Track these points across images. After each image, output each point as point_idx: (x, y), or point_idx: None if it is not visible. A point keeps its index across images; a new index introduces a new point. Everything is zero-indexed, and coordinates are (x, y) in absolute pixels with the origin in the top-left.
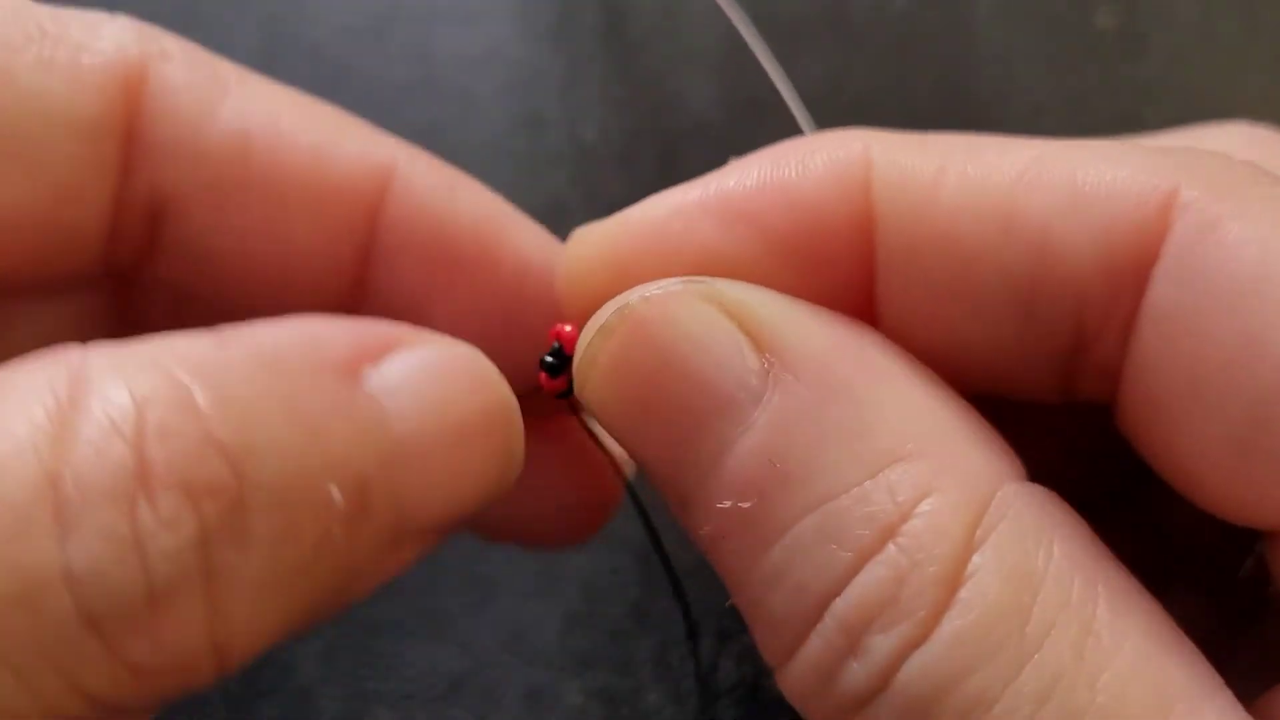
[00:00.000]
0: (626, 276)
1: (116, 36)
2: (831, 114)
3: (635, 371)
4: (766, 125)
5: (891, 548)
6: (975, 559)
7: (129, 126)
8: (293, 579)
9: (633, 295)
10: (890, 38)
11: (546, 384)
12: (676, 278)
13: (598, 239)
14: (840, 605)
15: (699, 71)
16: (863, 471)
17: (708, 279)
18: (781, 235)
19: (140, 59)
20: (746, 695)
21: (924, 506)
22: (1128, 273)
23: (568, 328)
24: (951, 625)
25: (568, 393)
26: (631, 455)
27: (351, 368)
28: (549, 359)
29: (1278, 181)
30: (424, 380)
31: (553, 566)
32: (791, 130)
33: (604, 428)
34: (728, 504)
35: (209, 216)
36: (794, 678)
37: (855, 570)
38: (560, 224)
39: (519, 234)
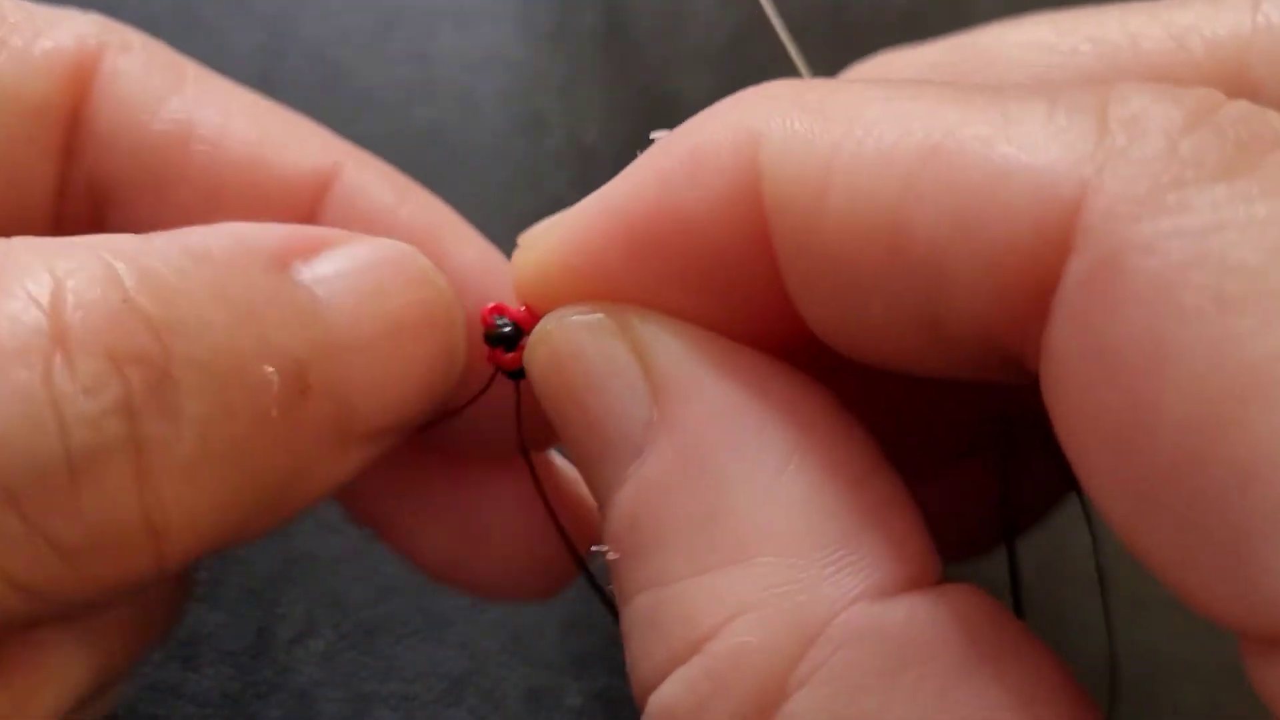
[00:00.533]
0: (571, 289)
1: (78, 27)
2: None
3: (550, 394)
4: None
5: (697, 662)
6: (791, 703)
7: (74, 111)
8: (230, 460)
9: (551, 320)
10: (890, 38)
11: (500, 359)
12: (596, 306)
13: (537, 254)
14: (655, 700)
15: (699, 73)
16: (691, 567)
17: (627, 309)
18: (683, 260)
19: (96, 48)
20: None
21: (735, 628)
22: (1024, 306)
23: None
24: None
25: (520, 373)
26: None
27: (281, 260)
28: (504, 329)
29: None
30: (358, 273)
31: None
32: None
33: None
34: (604, 548)
35: (147, 207)
36: None
37: (667, 671)
38: None
39: (460, 248)
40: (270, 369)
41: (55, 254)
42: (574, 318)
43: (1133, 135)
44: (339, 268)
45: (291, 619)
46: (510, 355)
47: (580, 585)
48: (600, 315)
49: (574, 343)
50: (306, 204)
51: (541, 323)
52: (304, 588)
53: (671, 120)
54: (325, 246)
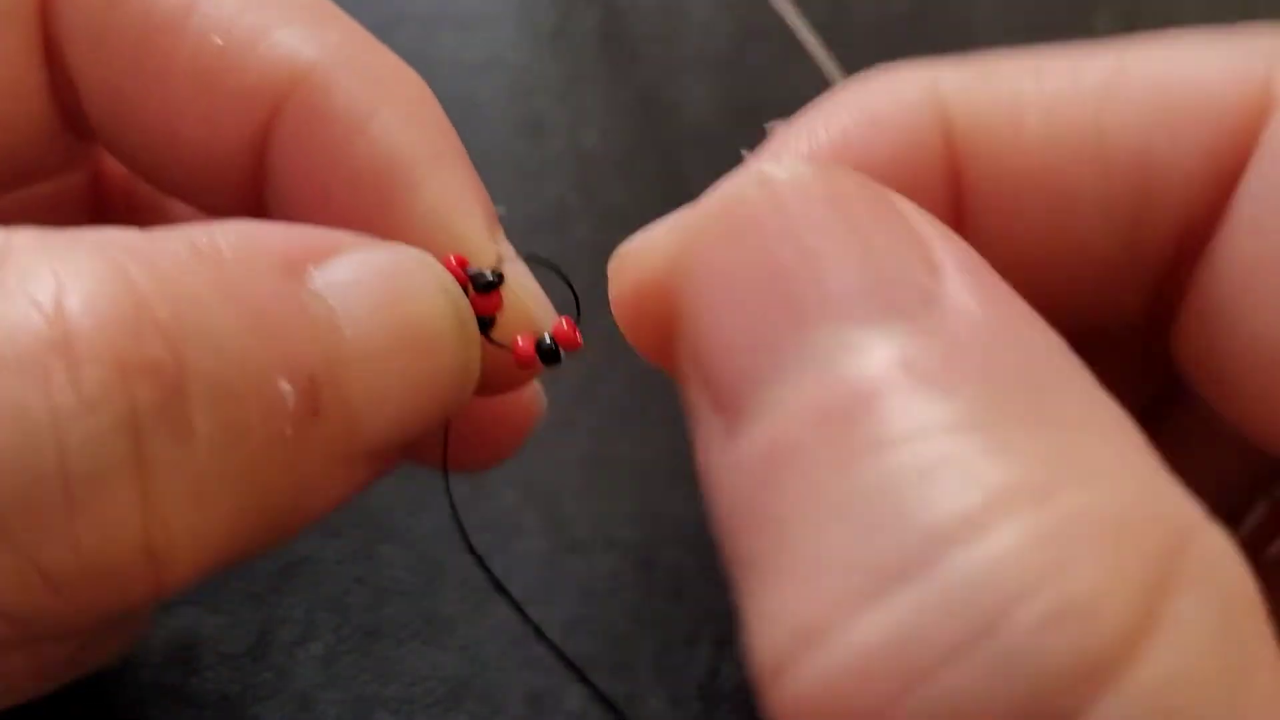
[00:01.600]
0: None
1: None
2: None
3: (772, 234)
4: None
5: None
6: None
7: (43, 6)
8: (240, 482)
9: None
10: (890, 41)
11: (482, 306)
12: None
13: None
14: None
15: (699, 77)
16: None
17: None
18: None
19: None
20: (748, 699)
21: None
22: (1227, 175)
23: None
24: None
25: (489, 325)
26: (690, 332)
27: (293, 266)
28: (490, 277)
29: None
30: (373, 281)
31: (552, 572)
32: None
33: (684, 299)
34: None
35: (114, 106)
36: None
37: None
38: (562, 229)
39: (430, 189)
40: (286, 385)
41: (59, 252)
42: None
43: None
44: (354, 275)
45: (292, 622)
46: (491, 298)
47: (578, 590)
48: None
49: (833, 183)
50: (266, 109)
51: (758, 170)
52: (304, 591)
53: (671, 125)
54: (338, 251)
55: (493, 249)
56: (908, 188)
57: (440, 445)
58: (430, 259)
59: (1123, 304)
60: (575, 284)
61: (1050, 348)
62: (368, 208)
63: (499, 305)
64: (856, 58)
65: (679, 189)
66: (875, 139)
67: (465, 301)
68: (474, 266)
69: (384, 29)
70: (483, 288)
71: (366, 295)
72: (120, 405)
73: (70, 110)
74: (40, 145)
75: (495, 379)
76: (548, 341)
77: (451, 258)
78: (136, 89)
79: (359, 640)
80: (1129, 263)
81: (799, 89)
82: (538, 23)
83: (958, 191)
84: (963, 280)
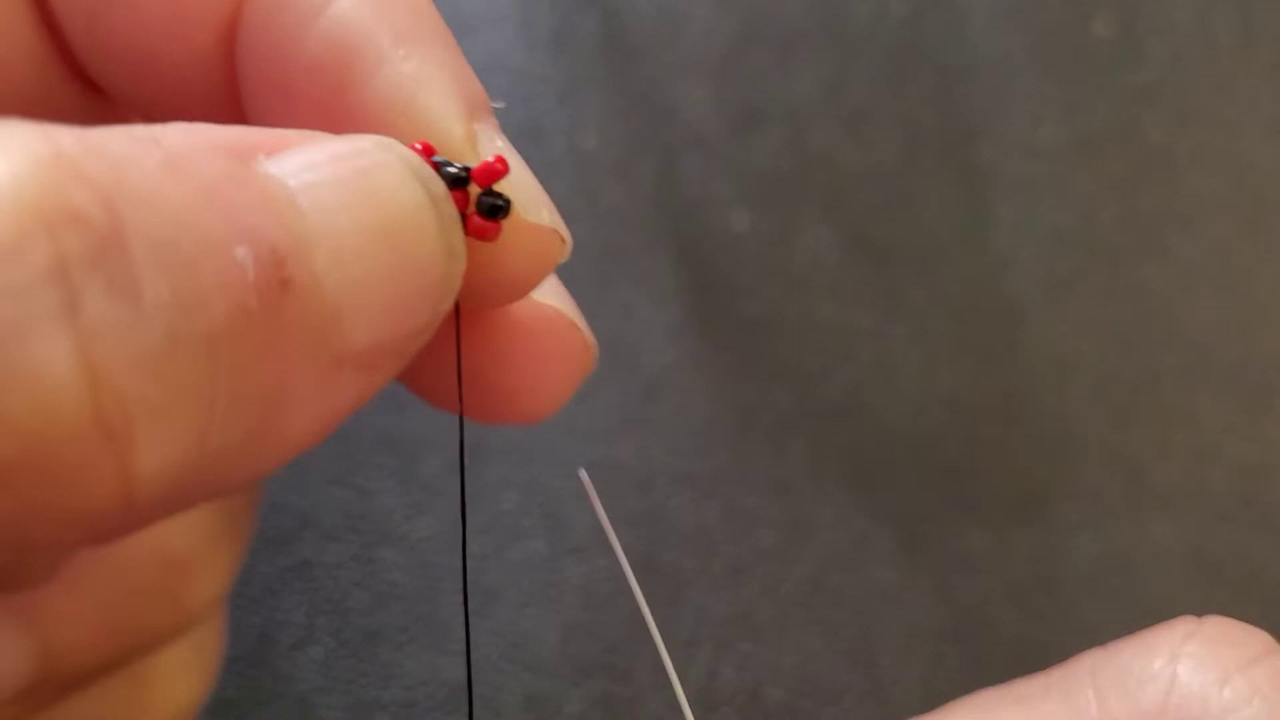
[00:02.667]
0: None
1: None
2: (828, 124)
3: None
4: (764, 134)
5: None
6: None
7: None
8: (204, 358)
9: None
10: (887, 46)
11: (483, 231)
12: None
13: None
14: None
15: (697, 81)
16: None
17: None
18: None
19: None
20: (747, 703)
21: None
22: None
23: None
24: None
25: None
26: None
27: (241, 154)
28: (456, 169)
29: None
30: (330, 165)
31: (552, 575)
32: (786, 143)
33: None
34: None
35: (88, 29)
36: None
37: None
38: None
39: (390, 70)
40: (243, 250)
41: None
42: None
43: None
44: (309, 160)
45: (291, 626)
46: (495, 221)
47: (578, 594)
48: None
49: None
50: (219, 24)
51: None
52: (304, 594)
53: (670, 129)
54: (288, 144)
55: (461, 130)
56: None
57: (462, 388)
58: (391, 141)
59: None
60: (575, 286)
61: None
62: (326, 99)
63: (496, 229)
64: (855, 61)
65: (678, 191)
66: None
67: (439, 182)
68: (441, 156)
69: None
70: (450, 182)
71: (326, 178)
72: (43, 253)
73: (77, 65)
74: (49, 103)
75: (484, 284)
76: (479, 192)
77: (416, 144)
78: (102, 4)
79: (359, 644)
80: None
81: (798, 91)
82: (537, 27)
83: None
84: None
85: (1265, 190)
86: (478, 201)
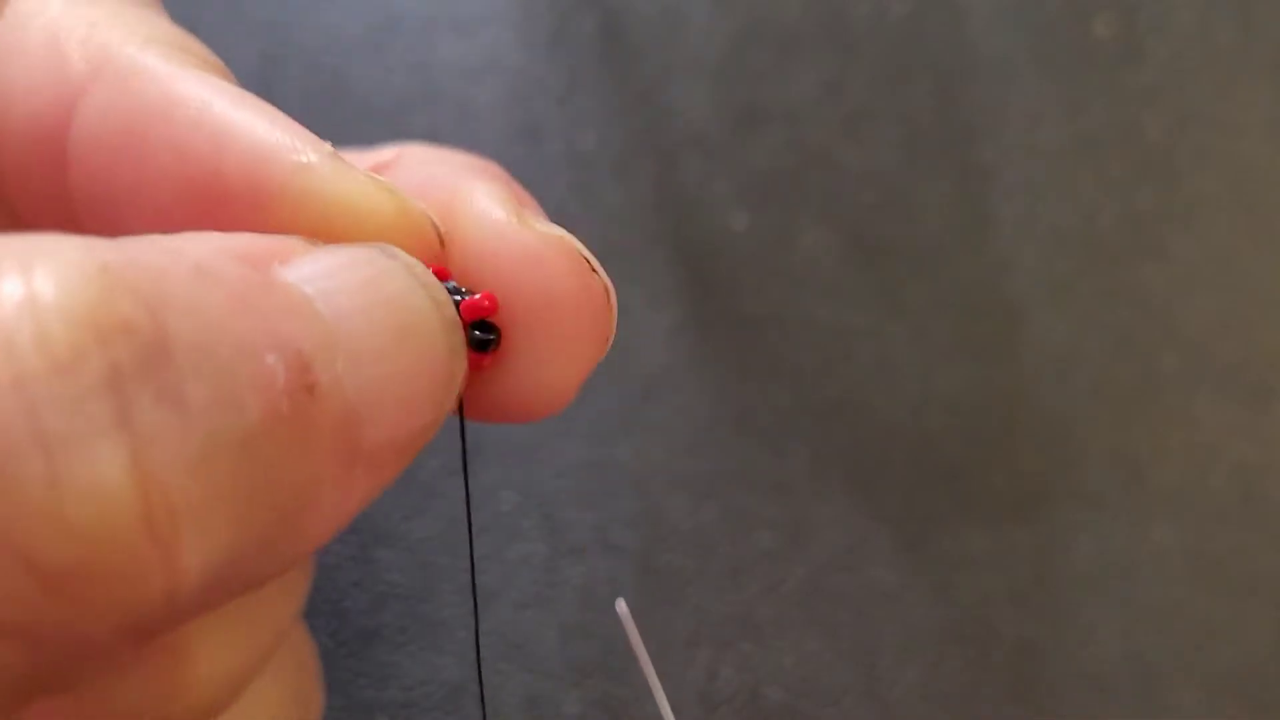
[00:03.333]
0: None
1: None
2: (827, 124)
3: None
4: (763, 134)
5: None
6: None
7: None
8: (242, 459)
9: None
10: (887, 45)
11: (474, 362)
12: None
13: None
14: None
15: (696, 81)
16: None
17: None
18: None
19: None
20: (747, 703)
21: None
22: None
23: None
24: None
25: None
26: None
27: (257, 262)
28: (485, 336)
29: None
30: (342, 269)
31: (551, 576)
32: (785, 143)
33: None
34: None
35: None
36: None
37: None
38: None
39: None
40: (273, 356)
41: (18, 240)
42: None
43: None
44: (321, 267)
45: None
46: (490, 354)
47: (577, 595)
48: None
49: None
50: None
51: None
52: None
53: (669, 129)
54: (294, 253)
55: (313, 150)
56: None
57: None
58: (394, 249)
59: None
60: None
61: None
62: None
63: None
64: (855, 60)
65: (677, 192)
66: None
67: (440, 287)
68: (452, 281)
69: (381, 32)
70: (480, 344)
71: (340, 285)
72: (98, 364)
73: None
74: None
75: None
76: (470, 325)
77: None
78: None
79: (357, 644)
80: None
81: (797, 91)
82: (536, 28)
83: None
84: None
85: (1265, 190)
86: (468, 335)
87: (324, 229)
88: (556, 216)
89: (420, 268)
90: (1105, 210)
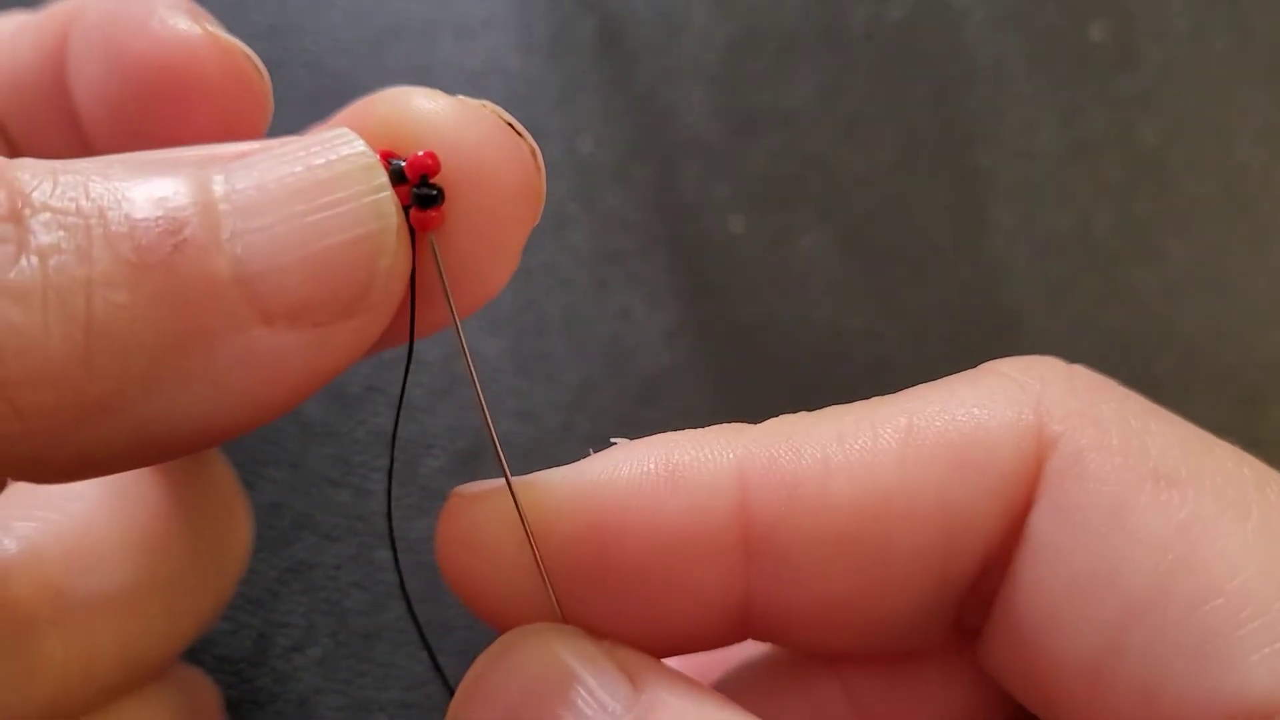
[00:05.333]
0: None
1: None
2: (825, 128)
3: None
4: (761, 138)
5: None
6: None
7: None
8: (83, 300)
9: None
10: (883, 51)
11: (422, 220)
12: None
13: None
14: None
15: (695, 85)
16: None
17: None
18: (635, 562)
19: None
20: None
21: None
22: (1017, 512)
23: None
24: None
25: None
26: None
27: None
28: (428, 192)
29: (1118, 392)
30: (267, 152)
31: None
32: (783, 147)
33: None
34: None
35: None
36: None
37: None
38: (562, 235)
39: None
40: (143, 218)
41: None
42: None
43: (1049, 374)
44: (251, 157)
45: (290, 627)
46: (434, 210)
47: None
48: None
49: (548, 651)
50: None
51: (506, 636)
52: (303, 596)
53: (667, 132)
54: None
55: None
56: (697, 540)
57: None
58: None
59: (930, 630)
60: (574, 289)
61: None
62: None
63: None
64: (852, 65)
65: (676, 195)
66: (672, 492)
67: (370, 153)
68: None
69: (382, 36)
70: (424, 200)
71: (257, 161)
72: None
73: None
74: None
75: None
76: (412, 187)
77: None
78: None
79: (358, 645)
80: (936, 597)
81: (795, 96)
82: (536, 31)
83: (747, 546)
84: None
85: (1259, 195)
86: (411, 194)
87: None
88: (555, 220)
89: (351, 133)
90: (1101, 214)
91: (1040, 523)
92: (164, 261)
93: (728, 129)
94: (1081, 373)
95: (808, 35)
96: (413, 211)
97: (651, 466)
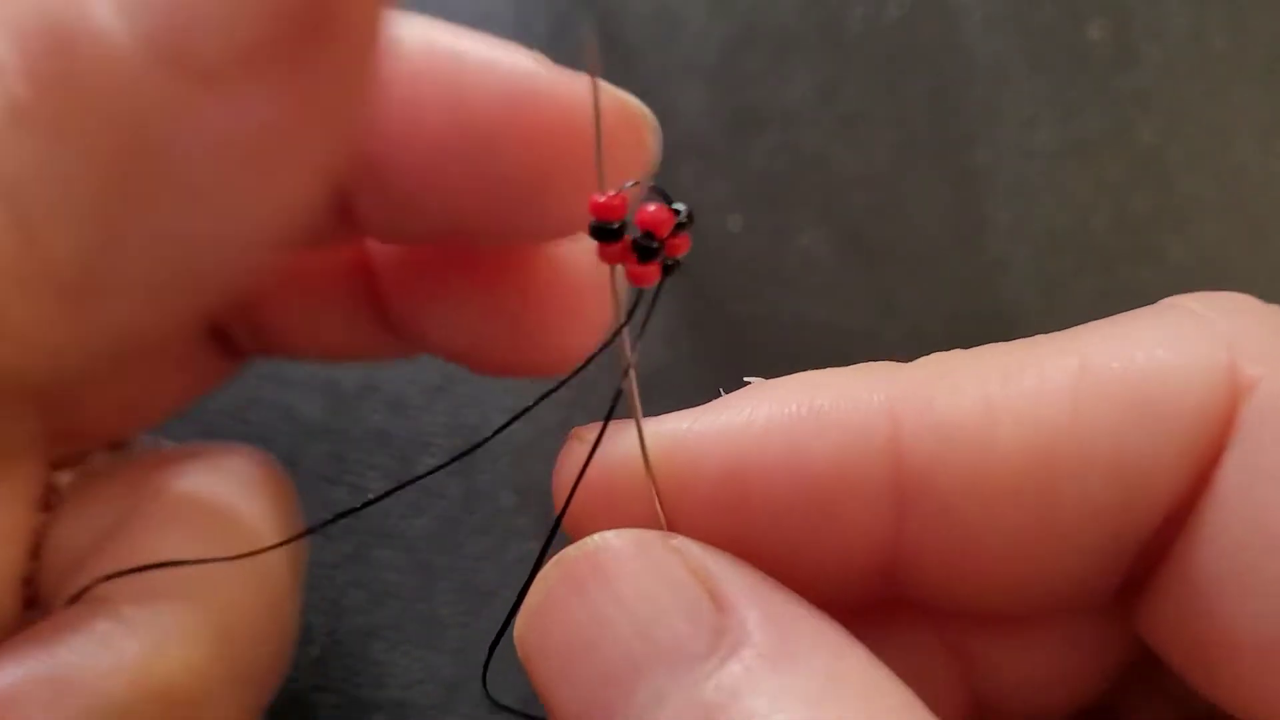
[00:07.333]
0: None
1: None
2: (823, 126)
3: (577, 611)
4: (759, 136)
5: None
6: None
7: None
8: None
9: (597, 537)
10: (882, 49)
11: (640, 275)
12: (640, 529)
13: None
14: None
15: (692, 83)
16: None
17: (671, 534)
18: (778, 504)
19: None
20: None
21: None
22: (1205, 462)
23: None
24: None
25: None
26: (547, 701)
27: None
28: (649, 244)
29: None
30: None
31: None
32: (781, 146)
33: (530, 673)
34: None
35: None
36: None
37: None
38: None
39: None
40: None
41: None
42: (614, 538)
43: (1241, 311)
44: None
45: None
46: (650, 267)
47: None
48: (644, 532)
49: (628, 551)
50: None
51: (585, 539)
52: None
53: (665, 130)
54: None
55: None
56: (845, 486)
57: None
58: None
59: (1093, 589)
60: None
61: (832, 653)
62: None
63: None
64: (850, 63)
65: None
66: (818, 434)
67: None
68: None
69: None
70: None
71: None
72: None
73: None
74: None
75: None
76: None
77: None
78: None
79: (354, 643)
80: (1106, 554)
81: (793, 94)
82: (533, 30)
83: (900, 494)
84: (748, 609)
85: (1257, 194)
86: (633, 245)
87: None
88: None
89: None
90: (1099, 213)
91: (1230, 476)
92: (58, 79)
93: (725, 128)
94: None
95: (805, 34)
96: (632, 265)
97: (794, 408)
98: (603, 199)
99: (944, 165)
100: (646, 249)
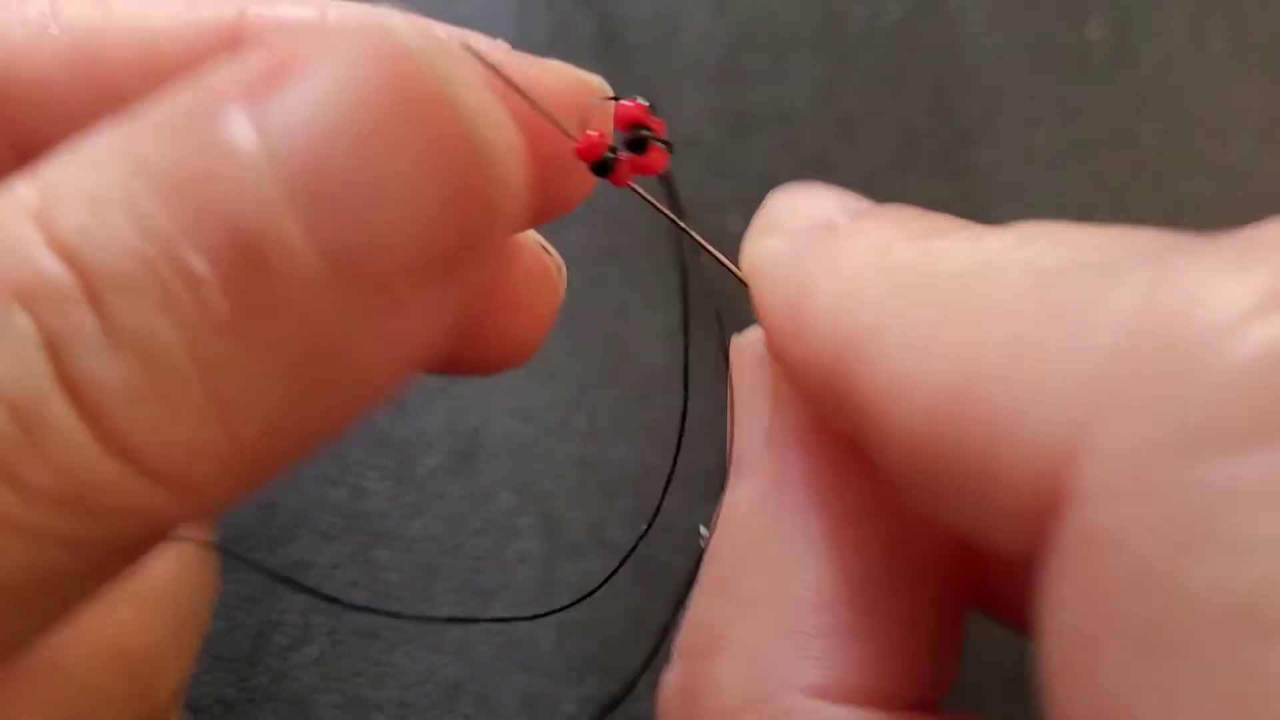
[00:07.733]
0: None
1: None
2: (824, 127)
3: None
4: (760, 137)
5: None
6: None
7: None
8: (193, 374)
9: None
10: (882, 50)
11: (634, 165)
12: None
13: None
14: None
15: (693, 84)
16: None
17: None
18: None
19: None
20: None
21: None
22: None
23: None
24: None
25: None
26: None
27: (208, 109)
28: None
29: None
30: (325, 85)
31: (548, 575)
32: (781, 146)
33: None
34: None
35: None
36: None
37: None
38: (559, 233)
39: None
40: (195, 257)
41: None
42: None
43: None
44: (296, 99)
45: (287, 626)
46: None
47: (574, 594)
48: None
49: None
50: None
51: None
52: (300, 594)
53: (666, 129)
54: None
55: None
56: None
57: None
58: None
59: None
60: (570, 292)
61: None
62: None
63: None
64: (850, 64)
65: (670, 195)
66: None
67: (456, 58)
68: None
69: None
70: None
71: (306, 111)
72: (21, 329)
73: None
74: None
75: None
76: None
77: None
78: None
79: (354, 644)
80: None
81: (793, 95)
82: (534, 30)
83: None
84: (768, 453)
85: (1256, 194)
86: (624, 141)
87: None
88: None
89: (418, 40)
90: (1098, 212)
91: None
92: (250, 290)
93: (726, 128)
94: None
95: (806, 34)
96: (627, 159)
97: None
98: (583, 142)
99: (944, 165)
100: (641, 140)
